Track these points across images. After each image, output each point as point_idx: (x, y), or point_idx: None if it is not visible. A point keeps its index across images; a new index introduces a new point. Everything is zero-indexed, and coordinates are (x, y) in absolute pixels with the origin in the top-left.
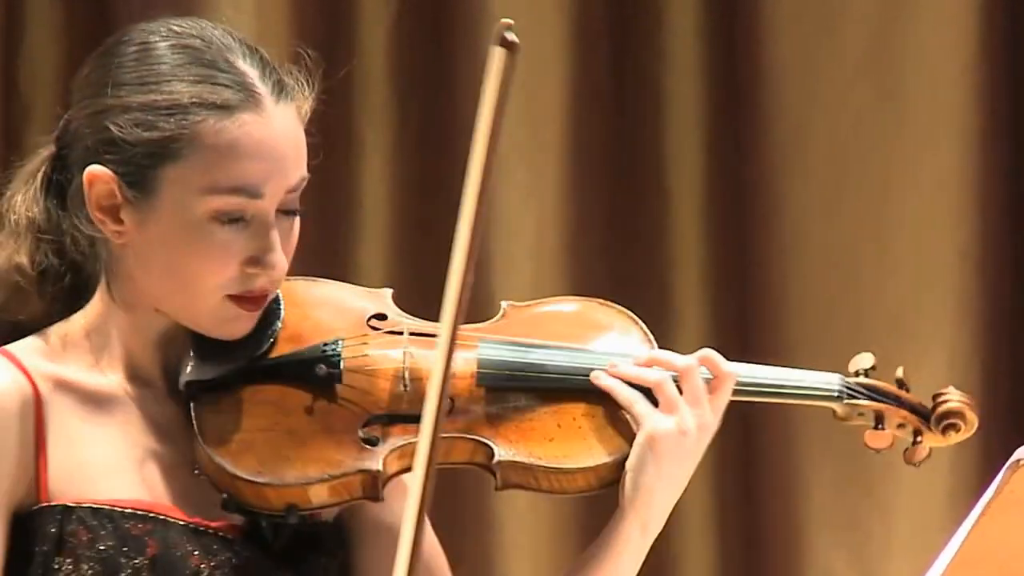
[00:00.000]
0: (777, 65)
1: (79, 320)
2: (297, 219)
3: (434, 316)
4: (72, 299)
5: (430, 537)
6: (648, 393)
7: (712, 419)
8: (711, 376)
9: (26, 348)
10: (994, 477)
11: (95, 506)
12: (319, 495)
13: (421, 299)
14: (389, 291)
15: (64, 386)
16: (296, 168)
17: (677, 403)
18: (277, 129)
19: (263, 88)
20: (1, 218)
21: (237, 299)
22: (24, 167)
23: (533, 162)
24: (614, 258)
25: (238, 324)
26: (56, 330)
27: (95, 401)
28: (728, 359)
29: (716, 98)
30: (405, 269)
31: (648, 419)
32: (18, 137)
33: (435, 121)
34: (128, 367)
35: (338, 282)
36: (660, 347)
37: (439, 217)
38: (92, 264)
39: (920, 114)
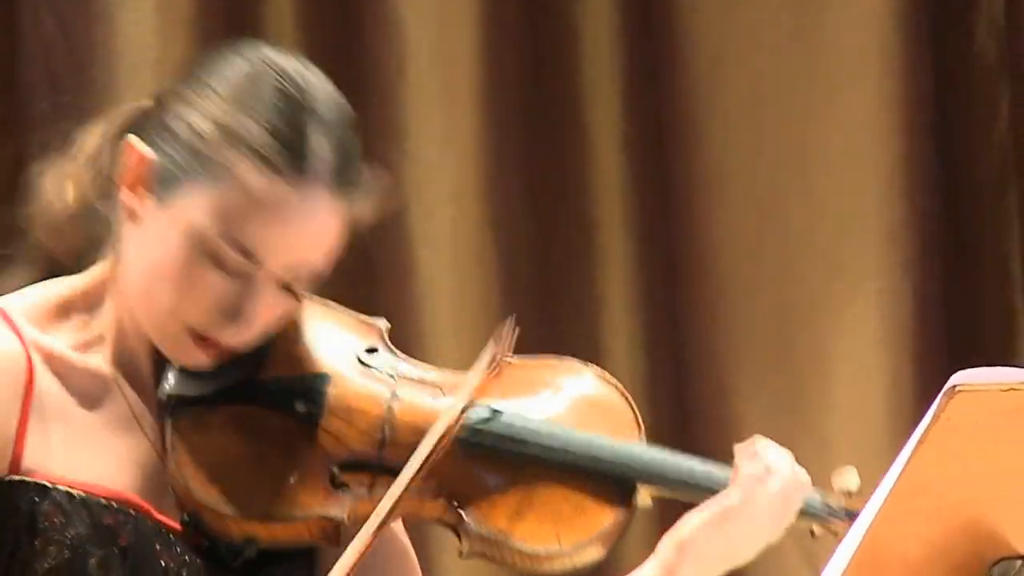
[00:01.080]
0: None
1: (79, 286)
2: (295, 301)
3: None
4: (96, 257)
5: (402, 539)
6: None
7: (780, 524)
8: None
9: (23, 311)
10: (930, 406)
11: (71, 491)
12: (280, 533)
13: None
14: (385, 323)
15: (54, 360)
16: (312, 260)
17: (757, 493)
18: (313, 215)
19: (321, 169)
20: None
21: (196, 337)
22: (117, 108)
23: (448, 107)
24: (535, 199)
25: (194, 358)
26: (53, 292)
27: (81, 381)
28: (655, 300)
29: (631, 34)
30: None
31: (748, 491)
32: None
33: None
34: (117, 349)
35: (335, 306)
36: (581, 293)
37: None
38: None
39: (839, 46)
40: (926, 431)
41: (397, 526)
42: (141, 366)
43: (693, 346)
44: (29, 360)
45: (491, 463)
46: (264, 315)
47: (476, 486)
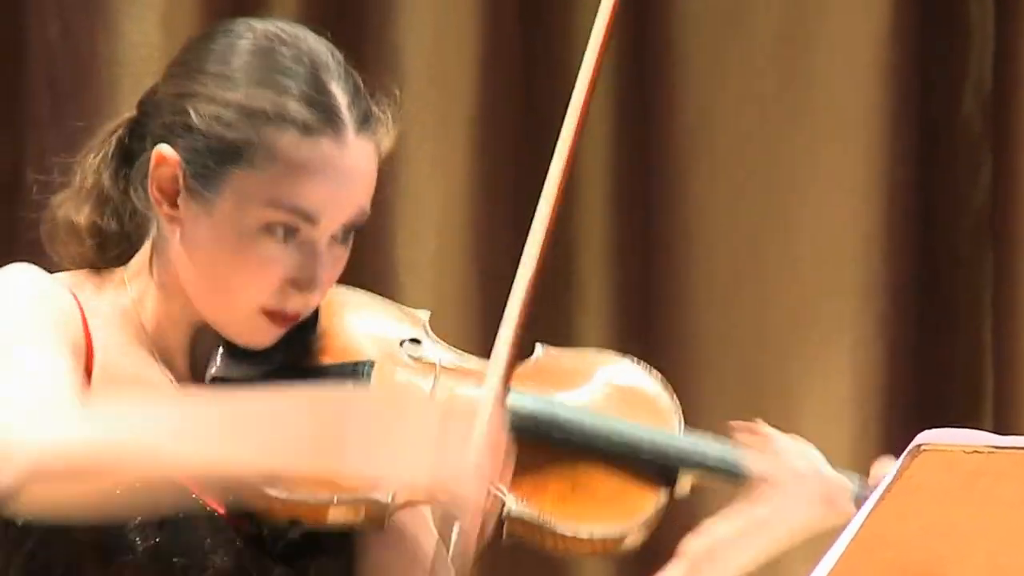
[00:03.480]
0: (685, 50)
1: (121, 282)
2: (348, 247)
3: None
4: (122, 264)
5: (432, 531)
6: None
7: (803, 527)
8: None
9: (69, 279)
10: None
11: None
12: (325, 515)
13: None
14: (427, 313)
15: (104, 331)
16: (359, 203)
17: (799, 498)
18: (351, 161)
19: (348, 117)
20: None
21: (269, 314)
22: (105, 127)
23: (441, 136)
24: (519, 235)
25: (263, 336)
26: (99, 278)
27: (127, 348)
28: (630, 341)
29: (624, 82)
30: None
31: (773, 502)
32: None
33: None
34: (155, 342)
35: (377, 297)
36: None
37: None
38: (143, 237)
39: (826, 102)
40: (888, 487)
41: (431, 536)
42: (176, 362)
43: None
44: (83, 313)
45: (535, 449)
46: (330, 273)
47: (518, 471)
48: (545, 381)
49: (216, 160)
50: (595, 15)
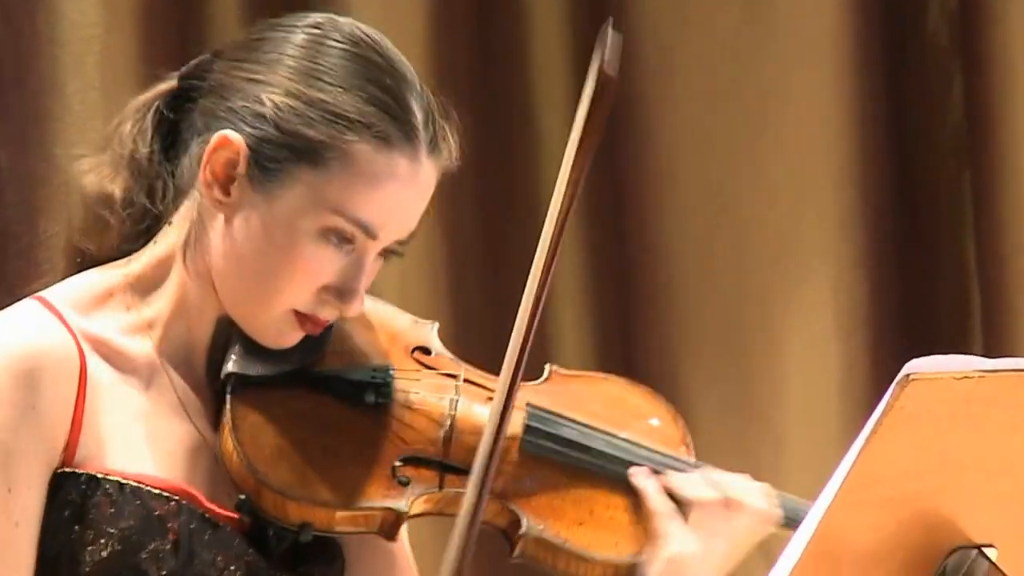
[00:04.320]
0: None
1: (125, 273)
2: (382, 262)
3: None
4: (140, 244)
5: (407, 555)
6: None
7: (740, 549)
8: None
9: (66, 299)
10: (884, 394)
11: (123, 480)
12: (338, 521)
13: None
14: (435, 324)
15: (102, 346)
16: (415, 223)
17: (715, 532)
18: (419, 180)
19: (424, 136)
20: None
21: (301, 317)
22: (139, 97)
23: None
24: (484, 195)
25: (288, 338)
26: (95, 279)
27: (129, 366)
28: (607, 290)
29: (582, 26)
30: None
31: (678, 540)
32: None
33: None
34: (170, 337)
35: (387, 304)
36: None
37: None
38: (171, 217)
39: (792, 31)
40: (879, 420)
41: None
42: (194, 354)
43: (643, 342)
44: (80, 349)
45: (551, 467)
46: (367, 285)
47: (535, 491)
48: (560, 401)
49: (287, 155)
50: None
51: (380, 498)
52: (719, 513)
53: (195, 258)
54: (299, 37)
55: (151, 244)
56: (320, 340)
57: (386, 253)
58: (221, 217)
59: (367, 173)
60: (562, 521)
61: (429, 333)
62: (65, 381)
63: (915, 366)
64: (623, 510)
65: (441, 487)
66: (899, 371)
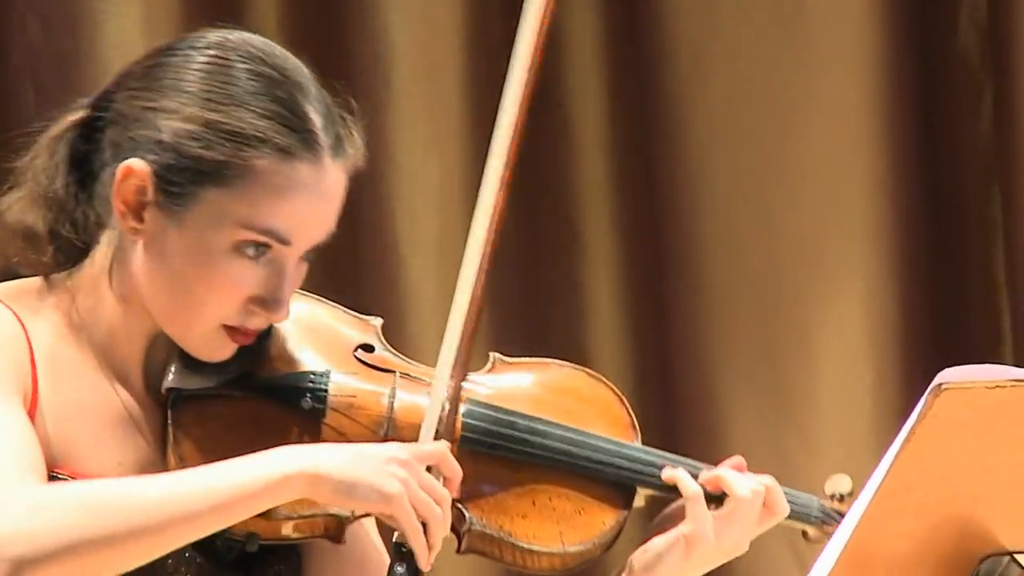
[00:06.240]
0: None
1: (67, 289)
2: (307, 265)
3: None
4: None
5: (384, 555)
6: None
7: (747, 542)
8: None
9: (8, 295)
10: (916, 404)
11: (72, 479)
12: (283, 530)
13: None
14: (379, 320)
15: (45, 344)
16: (330, 225)
17: (736, 521)
18: (327, 185)
19: (324, 141)
20: (20, 173)
21: (231, 330)
22: (50, 130)
23: (433, 113)
24: (520, 202)
25: (222, 351)
26: (39, 284)
27: (70, 370)
28: (641, 297)
29: (615, 34)
30: None
31: (700, 521)
32: None
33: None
34: (105, 354)
35: (328, 303)
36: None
37: None
38: (95, 246)
39: (823, 39)
40: (912, 429)
41: (372, 532)
42: (131, 372)
43: (679, 347)
44: (28, 340)
45: (493, 461)
46: (292, 291)
47: (478, 485)
48: (501, 392)
49: (191, 178)
50: None
51: (323, 504)
52: (752, 509)
53: (120, 282)
54: (191, 61)
55: (80, 269)
56: (260, 347)
57: (308, 256)
58: (140, 243)
59: (271, 186)
60: (505, 515)
61: (372, 330)
62: (23, 355)
63: (947, 375)
64: (567, 500)
65: None
66: (930, 378)
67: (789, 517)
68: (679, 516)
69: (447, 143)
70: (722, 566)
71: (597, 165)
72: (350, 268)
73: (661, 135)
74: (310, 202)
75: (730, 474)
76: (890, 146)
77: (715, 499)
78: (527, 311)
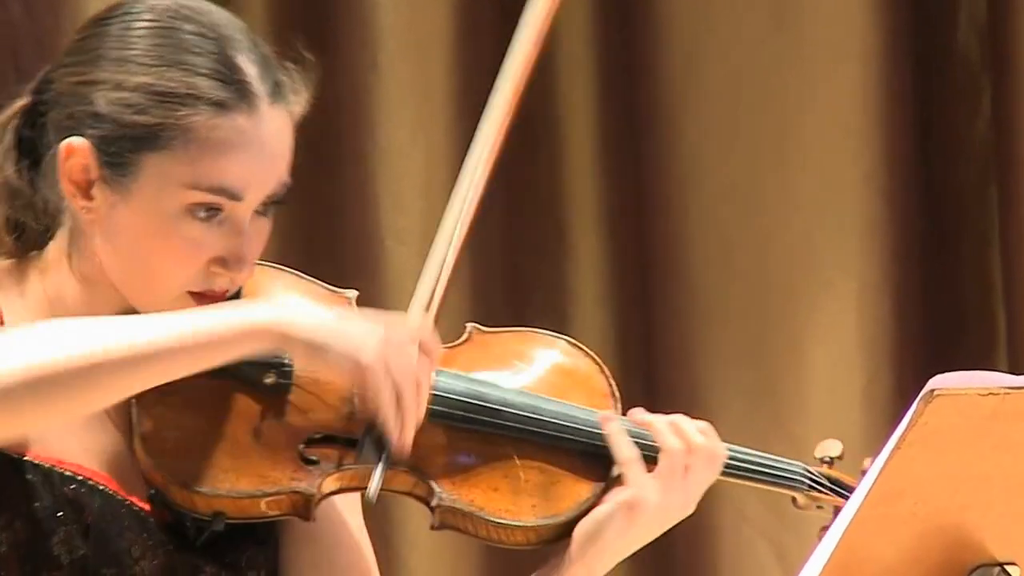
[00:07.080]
0: None
1: (37, 269)
2: (270, 219)
3: None
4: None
5: (362, 539)
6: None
7: (694, 501)
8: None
9: None
10: (907, 410)
11: (36, 462)
12: (249, 508)
13: None
14: (354, 293)
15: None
16: (280, 174)
17: (674, 477)
18: (268, 133)
19: (260, 89)
20: None
21: (196, 295)
22: None
23: (420, 99)
24: (506, 193)
25: None
26: (11, 267)
27: None
28: (629, 295)
29: (607, 27)
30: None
31: (638, 485)
32: None
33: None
34: None
35: (302, 276)
36: (551, 288)
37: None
38: (57, 228)
39: (818, 37)
40: (903, 435)
41: (353, 518)
42: None
43: (665, 343)
44: (0, 316)
45: (463, 434)
46: (255, 247)
47: (448, 458)
48: (475, 363)
49: (129, 147)
50: None
51: (288, 481)
52: (682, 462)
53: (80, 263)
54: (113, 28)
55: (46, 253)
56: None
57: (266, 208)
58: (94, 221)
59: (211, 142)
60: (476, 488)
61: (346, 303)
62: None
63: (940, 382)
64: (540, 472)
65: (352, 464)
66: (923, 383)
67: (777, 484)
68: (620, 482)
69: (434, 129)
70: (707, 569)
71: (586, 158)
72: (332, 256)
73: (652, 132)
74: (253, 153)
75: (660, 423)
76: (885, 145)
77: (653, 460)
78: (511, 309)
